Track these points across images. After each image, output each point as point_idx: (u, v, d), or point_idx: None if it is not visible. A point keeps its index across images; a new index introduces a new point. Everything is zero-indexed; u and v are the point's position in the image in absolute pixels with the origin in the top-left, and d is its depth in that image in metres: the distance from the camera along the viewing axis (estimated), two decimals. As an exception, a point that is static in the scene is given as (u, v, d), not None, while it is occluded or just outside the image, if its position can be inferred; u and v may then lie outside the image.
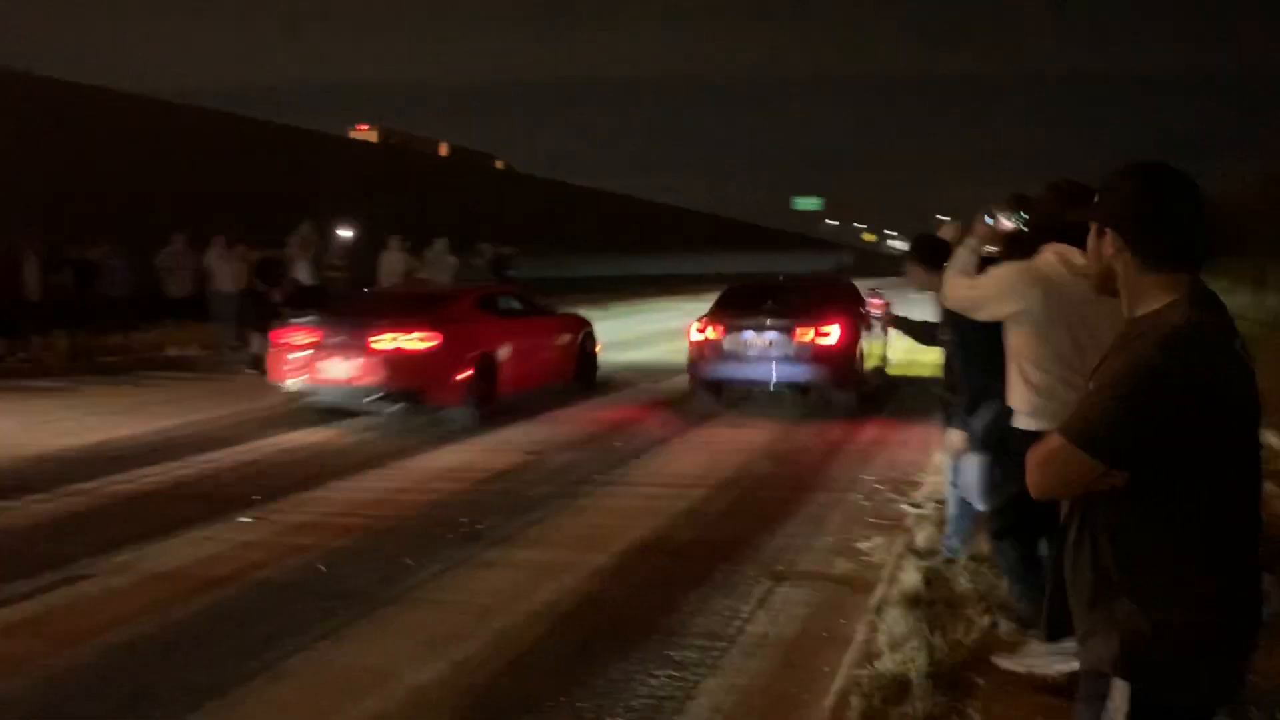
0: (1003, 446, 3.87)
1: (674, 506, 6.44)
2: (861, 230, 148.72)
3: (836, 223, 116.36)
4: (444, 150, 44.62)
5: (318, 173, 24.50)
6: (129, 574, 5.08)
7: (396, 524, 6.06)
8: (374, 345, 9.01)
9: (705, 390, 10.66)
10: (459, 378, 9.26)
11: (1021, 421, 3.52)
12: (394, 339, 9.03)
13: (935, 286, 4.73)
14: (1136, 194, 1.95)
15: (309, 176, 23.87)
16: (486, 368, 9.64)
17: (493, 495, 6.75)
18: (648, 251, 47.83)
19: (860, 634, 4.13)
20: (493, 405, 9.65)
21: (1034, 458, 1.94)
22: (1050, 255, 3.39)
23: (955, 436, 4.66)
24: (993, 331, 4.07)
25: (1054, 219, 3.45)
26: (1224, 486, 1.82)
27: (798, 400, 10.62)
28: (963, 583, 4.53)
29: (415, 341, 9.04)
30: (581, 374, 11.83)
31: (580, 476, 7.28)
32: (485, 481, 7.14)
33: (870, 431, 9.19)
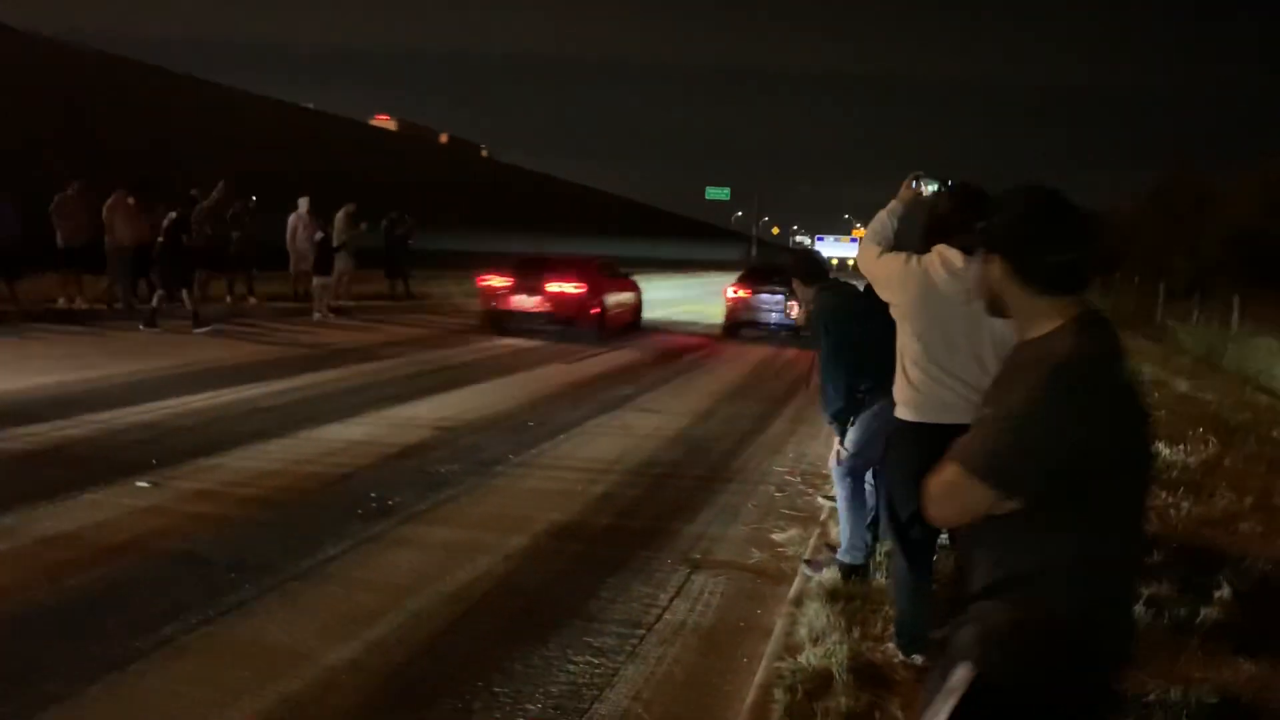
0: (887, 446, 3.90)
1: (589, 491, 6.38)
2: (770, 224, 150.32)
3: (741, 213, 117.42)
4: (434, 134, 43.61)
5: (233, 131, 23.71)
6: (15, 539, 4.79)
7: (302, 496, 5.86)
8: (548, 289, 15.28)
9: (734, 328, 17.36)
10: (593, 312, 15.45)
11: (900, 412, 3.56)
12: (559, 286, 15.23)
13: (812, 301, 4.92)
14: (1021, 219, 1.96)
15: (222, 134, 23.09)
16: (603, 309, 15.76)
17: (403, 471, 6.58)
18: (561, 232, 47.71)
19: (780, 626, 4.14)
20: (604, 334, 15.68)
21: (933, 489, 1.96)
22: (934, 256, 3.43)
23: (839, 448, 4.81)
24: (863, 336, 4.17)
25: (945, 221, 3.48)
26: (1111, 507, 1.88)
27: (711, 389, 10.72)
28: (879, 579, 4.60)
29: (571, 288, 15.24)
30: (636, 321, 18.19)
31: (492, 456, 7.16)
32: (394, 457, 6.96)
33: (779, 424, 9.27)
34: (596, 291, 15.64)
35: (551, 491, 6.31)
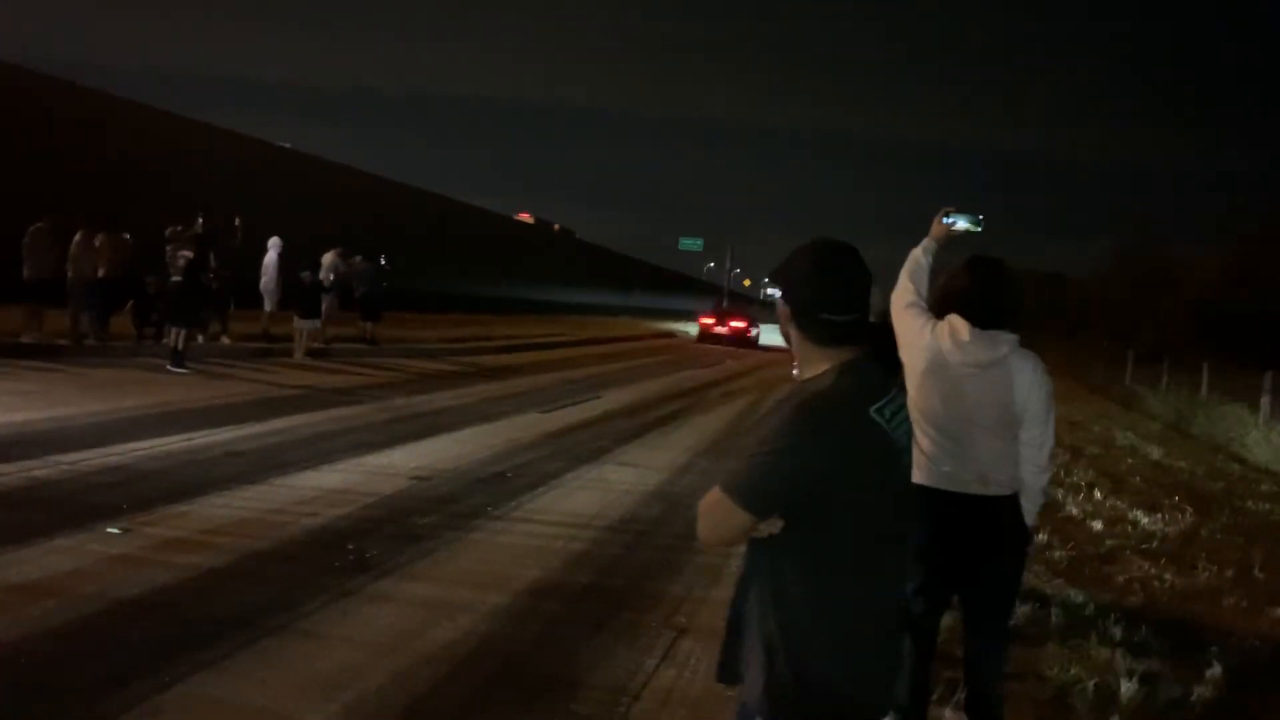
0: None
1: (569, 548, 6.29)
2: (741, 276, 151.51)
3: (712, 264, 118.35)
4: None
5: (191, 162, 23.58)
6: (-19, 585, 4.65)
7: (277, 547, 5.73)
8: (732, 324, 37.42)
9: (704, 339, 37.02)
10: (749, 335, 36.86)
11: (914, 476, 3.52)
12: (736, 323, 37.43)
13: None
14: (804, 278, 2.08)
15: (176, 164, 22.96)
16: (750, 334, 37.10)
17: (379, 522, 6.46)
18: (533, 277, 47.72)
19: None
20: (751, 345, 36.31)
21: (700, 508, 2.06)
22: (945, 326, 3.41)
23: None
24: None
25: (961, 293, 3.46)
26: (862, 543, 1.99)
27: (686, 443, 10.69)
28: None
29: (738, 324, 37.36)
30: (756, 339, 37.30)
31: (470, 508, 7.05)
32: (371, 507, 6.84)
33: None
34: (749, 326, 37.17)
35: (530, 548, 6.21)
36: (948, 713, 3.78)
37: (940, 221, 3.72)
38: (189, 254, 13.38)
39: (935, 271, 3.68)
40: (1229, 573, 6.46)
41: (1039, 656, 4.57)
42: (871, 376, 2.09)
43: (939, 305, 3.47)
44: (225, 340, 16.22)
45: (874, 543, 2.02)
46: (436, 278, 34.74)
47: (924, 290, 3.65)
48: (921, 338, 3.38)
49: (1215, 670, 4.45)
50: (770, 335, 34.83)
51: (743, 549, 2.11)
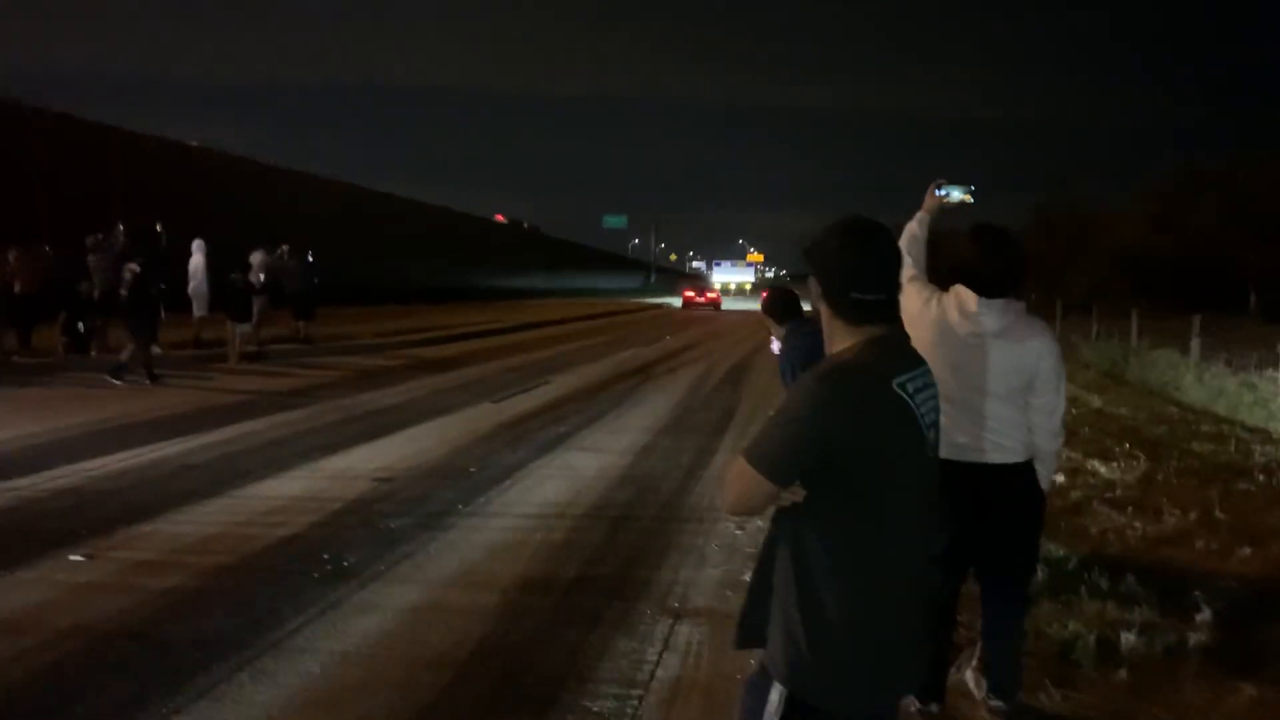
0: None
1: (549, 540, 6.21)
2: (667, 251, 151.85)
3: (637, 240, 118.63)
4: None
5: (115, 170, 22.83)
6: (-54, 626, 4.43)
7: (251, 561, 5.56)
8: (707, 295, 57.64)
9: (687, 306, 53.61)
10: (718, 301, 57.41)
11: None
12: (709, 294, 58.82)
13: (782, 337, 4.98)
14: (834, 254, 2.08)
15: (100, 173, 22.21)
16: (719, 301, 57.79)
17: (351, 528, 6.31)
18: (461, 262, 47.24)
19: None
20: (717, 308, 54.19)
21: (724, 476, 2.09)
22: (951, 296, 3.41)
23: None
24: None
25: (966, 263, 3.46)
26: (884, 511, 2.00)
27: (644, 424, 10.66)
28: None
29: (710, 294, 58.35)
30: (718, 304, 56.11)
31: (440, 507, 6.93)
32: (339, 513, 6.68)
33: (721, 457, 9.21)
34: (719, 297, 57.99)
35: (509, 543, 6.12)
36: (968, 675, 3.79)
37: (933, 193, 3.71)
38: (135, 267, 13.06)
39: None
40: (1192, 515, 6.61)
41: (1034, 614, 4.62)
42: (897, 350, 2.09)
43: (945, 279, 3.46)
44: (156, 349, 15.75)
45: (897, 515, 2.02)
46: (362, 270, 34.16)
47: (922, 263, 3.64)
48: (928, 310, 3.36)
49: (1205, 614, 4.56)
50: (729, 303, 63.30)
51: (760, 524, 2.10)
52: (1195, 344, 15.27)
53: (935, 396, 2.13)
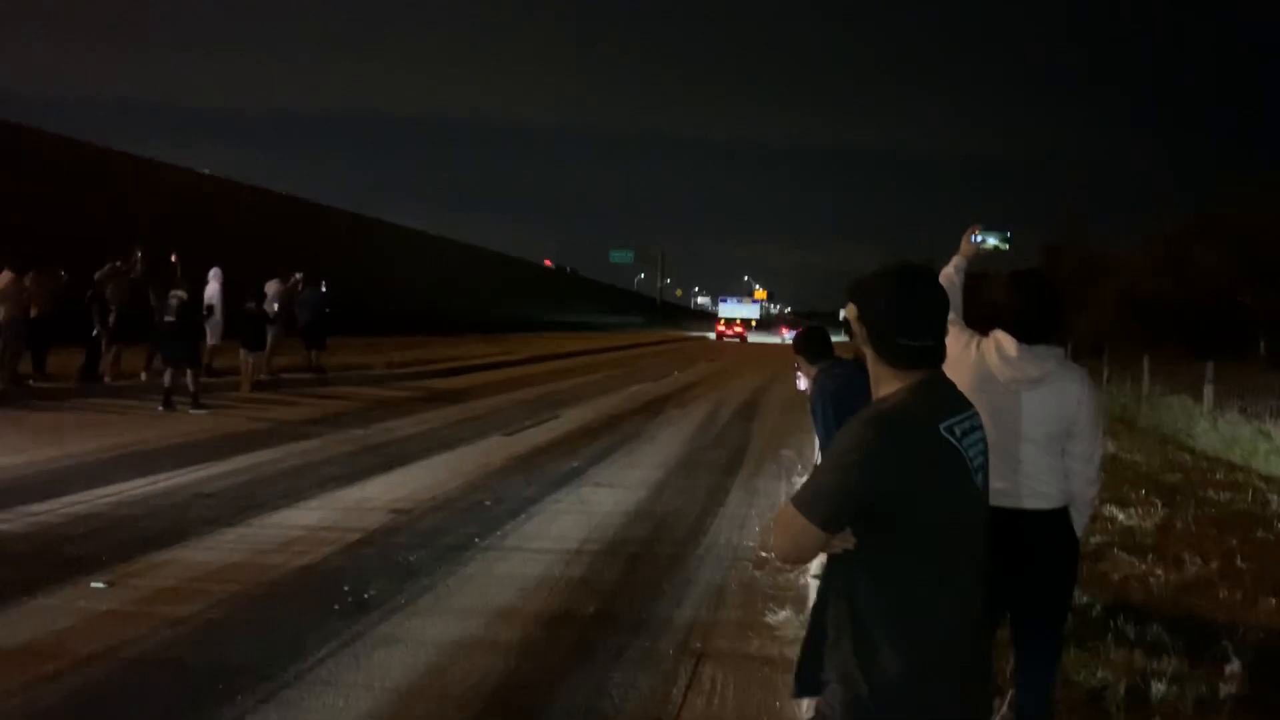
0: None
1: (568, 574, 6.19)
2: (673, 286, 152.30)
3: (643, 275, 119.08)
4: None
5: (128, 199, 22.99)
6: (-31, 651, 4.42)
7: (272, 591, 5.55)
8: (735, 328, 73.91)
9: (720, 338, 70.35)
10: (744, 335, 73.90)
11: None
12: (737, 328, 74.57)
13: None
14: (883, 300, 2.07)
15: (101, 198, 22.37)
16: (746, 334, 74.76)
17: (369, 560, 6.30)
18: (464, 293, 47.40)
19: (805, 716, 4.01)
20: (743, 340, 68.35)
21: (773, 523, 2.09)
22: (991, 341, 3.42)
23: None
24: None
25: (1009, 309, 3.46)
26: (936, 556, 1.97)
27: (656, 459, 10.66)
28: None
29: (739, 328, 74.39)
30: (745, 337, 72.98)
31: (457, 540, 6.92)
32: (357, 544, 6.67)
33: (736, 495, 9.20)
34: (745, 331, 72.40)
35: (528, 577, 6.10)
36: (999, 724, 3.76)
37: (970, 240, 3.74)
38: (183, 294, 13.28)
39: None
40: (1214, 564, 6.57)
41: (1062, 661, 4.60)
42: (944, 394, 2.09)
43: (985, 324, 3.47)
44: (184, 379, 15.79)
45: (950, 560, 2.00)
46: (373, 300, 34.26)
47: (959, 308, 3.65)
48: (967, 355, 3.37)
49: (1234, 665, 4.52)
50: (754, 336, 76.26)
51: (808, 573, 2.08)
52: (1208, 390, 15.24)
53: (983, 440, 2.13)
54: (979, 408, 3.32)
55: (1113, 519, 8.04)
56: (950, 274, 3.73)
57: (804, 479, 2.04)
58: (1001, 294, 3.35)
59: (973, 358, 3.35)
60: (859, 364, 4.77)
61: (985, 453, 2.15)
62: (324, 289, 19.88)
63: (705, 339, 68.52)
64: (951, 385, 2.14)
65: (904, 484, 1.93)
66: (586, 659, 4.78)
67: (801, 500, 1.99)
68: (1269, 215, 30.77)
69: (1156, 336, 25.81)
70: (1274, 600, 5.78)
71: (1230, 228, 31.68)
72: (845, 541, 1.98)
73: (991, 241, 3.70)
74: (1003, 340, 3.31)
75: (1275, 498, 9.65)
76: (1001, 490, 3.26)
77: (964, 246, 3.76)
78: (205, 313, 15.61)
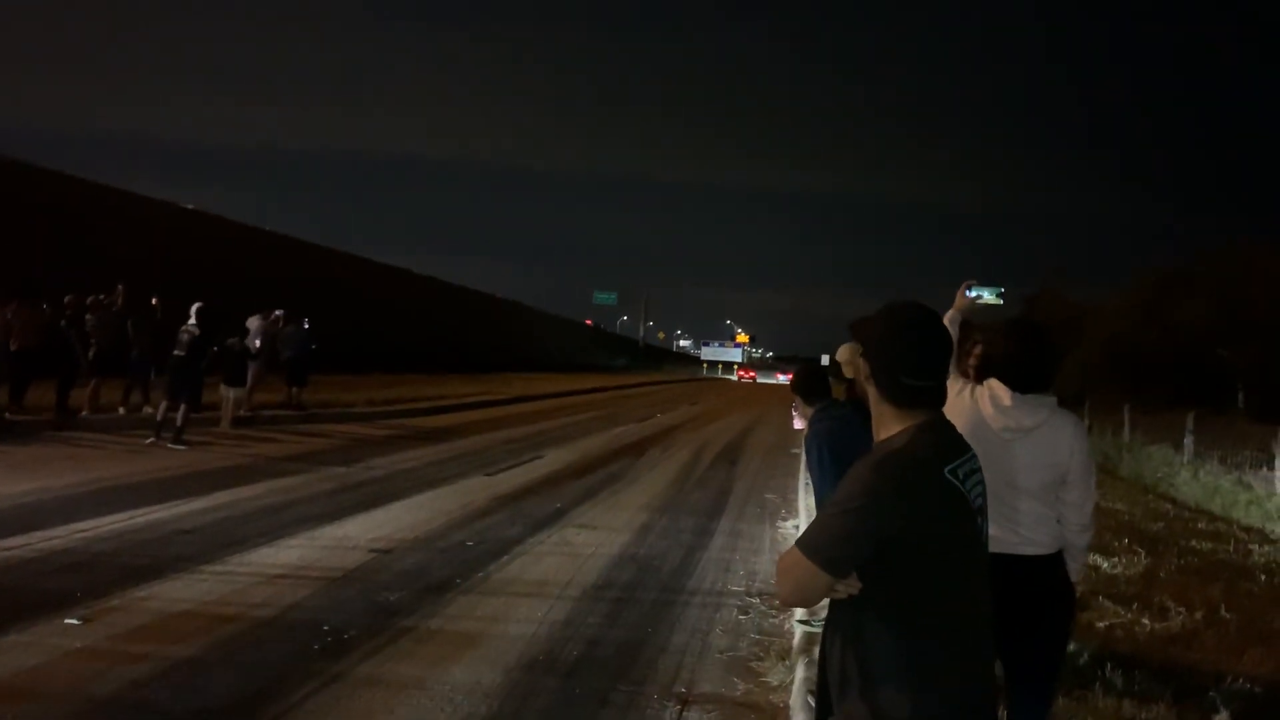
0: None
1: (550, 618, 6.11)
2: (656, 329, 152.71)
3: (626, 317, 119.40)
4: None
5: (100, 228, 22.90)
6: (-61, 689, 4.31)
7: (250, 630, 5.46)
8: (749, 372, 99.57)
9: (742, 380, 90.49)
10: (754, 378, 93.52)
11: None
12: (747, 372, 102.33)
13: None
14: (886, 340, 2.09)
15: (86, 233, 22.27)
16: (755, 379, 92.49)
17: (349, 600, 6.21)
18: (449, 328, 47.34)
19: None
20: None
21: (778, 567, 2.05)
22: (985, 390, 3.43)
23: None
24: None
25: (1002, 357, 3.48)
26: (942, 600, 1.97)
27: (639, 501, 10.60)
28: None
29: (751, 373, 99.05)
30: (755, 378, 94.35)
31: (438, 580, 6.84)
32: (336, 583, 6.58)
33: (719, 539, 9.14)
34: (756, 375, 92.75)
35: (510, 620, 6.03)
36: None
37: (964, 294, 3.78)
38: (194, 330, 13.30)
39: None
40: (1198, 614, 6.56)
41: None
42: (947, 437, 2.09)
43: (980, 372, 3.48)
44: (149, 410, 15.65)
45: (955, 603, 2.00)
46: (353, 338, 34.10)
47: (953, 358, 3.67)
48: (960, 401, 3.38)
49: (1223, 715, 4.50)
50: (762, 378, 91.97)
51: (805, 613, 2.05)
52: (1189, 441, 15.32)
53: (983, 482, 2.14)
54: None
55: (1097, 567, 8.03)
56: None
57: (791, 522, 2.02)
58: (996, 343, 3.37)
59: (966, 404, 3.35)
60: (855, 405, 4.76)
61: (984, 495, 2.15)
62: (306, 325, 19.81)
63: (692, 381, 78.16)
64: (951, 427, 2.15)
65: (911, 528, 1.93)
66: (570, 704, 4.72)
67: (808, 544, 1.98)
68: (1245, 271, 31.19)
69: (1137, 386, 25.99)
70: (1261, 650, 5.76)
71: (1209, 282, 32.08)
72: (851, 586, 1.97)
73: (987, 296, 3.75)
74: (996, 389, 3.31)
75: (1256, 548, 9.68)
76: (996, 537, 3.25)
77: (958, 300, 3.80)
78: (253, 353, 15.67)
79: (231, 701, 4.39)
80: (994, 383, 3.34)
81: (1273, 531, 10.96)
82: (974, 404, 3.34)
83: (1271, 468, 12.54)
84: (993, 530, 3.21)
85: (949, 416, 3.36)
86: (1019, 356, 3.30)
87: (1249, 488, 12.45)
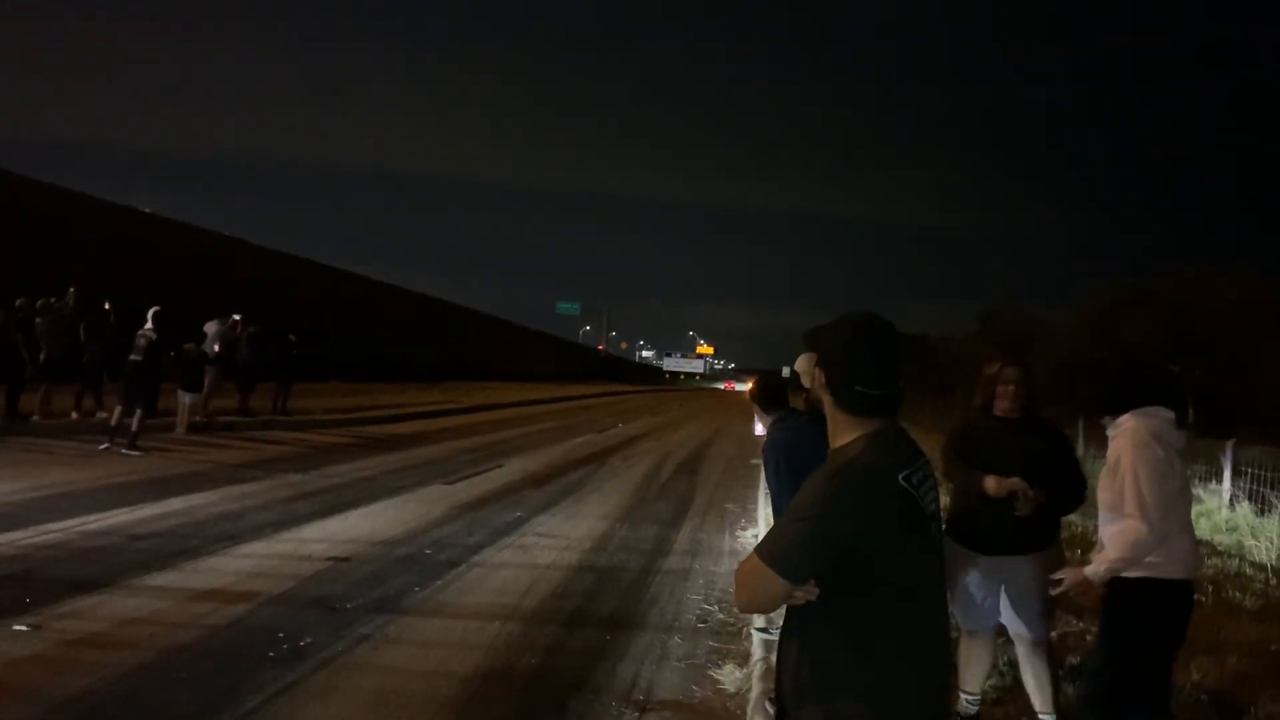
0: None
1: (507, 629, 6.08)
2: (618, 339, 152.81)
3: (589, 327, 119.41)
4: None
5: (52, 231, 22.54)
6: (-118, 696, 4.23)
7: (203, 638, 5.39)
8: (732, 386, 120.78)
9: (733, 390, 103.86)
10: (735, 389, 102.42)
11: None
12: (733, 385, 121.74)
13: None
14: (840, 348, 2.13)
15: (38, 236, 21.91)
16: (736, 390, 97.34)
17: (305, 608, 6.15)
18: (412, 339, 47.02)
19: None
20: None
21: (737, 575, 2.10)
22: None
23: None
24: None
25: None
26: (897, 606, 2.00)
27: (601, 511, 10.59)
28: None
29: (731, 385, 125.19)
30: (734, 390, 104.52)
31: (396, 589, 6.79)
32: (292, 592, 6.51)
33: (680, 548, 9.15)
34: (735, 387, 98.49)
35: (468, 629, 6.00)
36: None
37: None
38: (151, 334, 13.15)
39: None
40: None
41: (993, 713, 4.62)
42: (900, 445, 2.13)
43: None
44: (102, 414, 15.41)
45: (912, 610, 2.03)
46: (310, 344, 33.77)
47: None
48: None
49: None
50: (740, 387, 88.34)
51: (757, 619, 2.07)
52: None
53: (935, 488, 2.17)
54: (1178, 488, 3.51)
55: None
56: None
57: (750, 532, 2.05)
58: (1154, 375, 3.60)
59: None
60: (812, 415, 4.81)
61: (937, 500, 2.19)
62: (292, 338, 19.80)
63: (653, 392, 75.71)
64: (904, 434, 2.18)
65: (868, 535, 1.97)
66: (527, 715, 4.70)
67: (766, 552, 2.01)
68: (1195, 290, 31.83)
69: (1090, 401, 26.37)
70: (1208, 660, 5.87)
71: (1160, 300, 32.66)
72: (809, 593, 2.00)
73: None
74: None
75: (1205, 560, 9.85)
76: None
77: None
78: (211, 357, 15.47)
79: (185, 710, 4.33)
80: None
81: (1221, 544, 11.16)
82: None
83: (1220, 480, 12.76)
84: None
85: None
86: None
87: (1199, 500, 12.66)
